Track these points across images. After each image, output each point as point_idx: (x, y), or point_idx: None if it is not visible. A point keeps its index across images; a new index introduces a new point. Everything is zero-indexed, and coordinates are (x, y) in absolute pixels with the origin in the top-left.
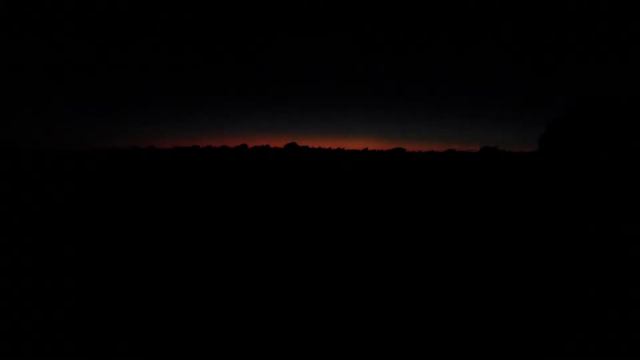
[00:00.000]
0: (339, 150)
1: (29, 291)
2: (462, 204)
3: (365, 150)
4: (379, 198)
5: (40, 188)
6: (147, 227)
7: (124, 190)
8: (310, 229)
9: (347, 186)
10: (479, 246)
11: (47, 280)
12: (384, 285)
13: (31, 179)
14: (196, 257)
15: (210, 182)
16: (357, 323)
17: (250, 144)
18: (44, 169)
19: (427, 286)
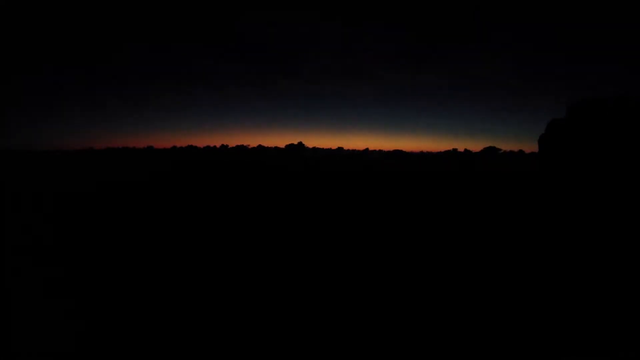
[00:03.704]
0: (339, 149)
1: (32, 289)
2: (464, 203)
3: (366, 150)
4: (379, 198)
5: (40, 187)
6: (146, 223)
7: (124, 189)
8: (310, 229)
9: (347, 186)
10: (480, 246)
11: (48, 276)
12: (385, 286)
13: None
14: (194, 255)
15: (210, 182)
16: (359, 324)
17: (251, 144)
18: (46, 169)
19: (429, 287)
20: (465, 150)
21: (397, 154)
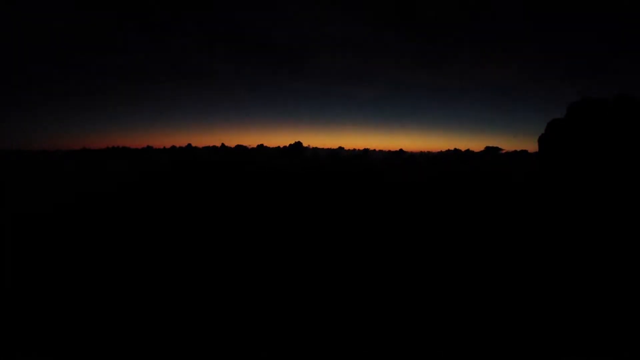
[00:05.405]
0: (340, 149)
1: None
2: (465, 204)
3: (366, 150)
4: (379, 200)
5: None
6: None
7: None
8: (310, 231)
9: (347, 187)
10: (481, 247)
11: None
12: (386, 286)
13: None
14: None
15: (210, 182)
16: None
17: (251, 144)
18: (45, 168)
19: (430, 287)
20: (467, 150)
21: (398, 153)
